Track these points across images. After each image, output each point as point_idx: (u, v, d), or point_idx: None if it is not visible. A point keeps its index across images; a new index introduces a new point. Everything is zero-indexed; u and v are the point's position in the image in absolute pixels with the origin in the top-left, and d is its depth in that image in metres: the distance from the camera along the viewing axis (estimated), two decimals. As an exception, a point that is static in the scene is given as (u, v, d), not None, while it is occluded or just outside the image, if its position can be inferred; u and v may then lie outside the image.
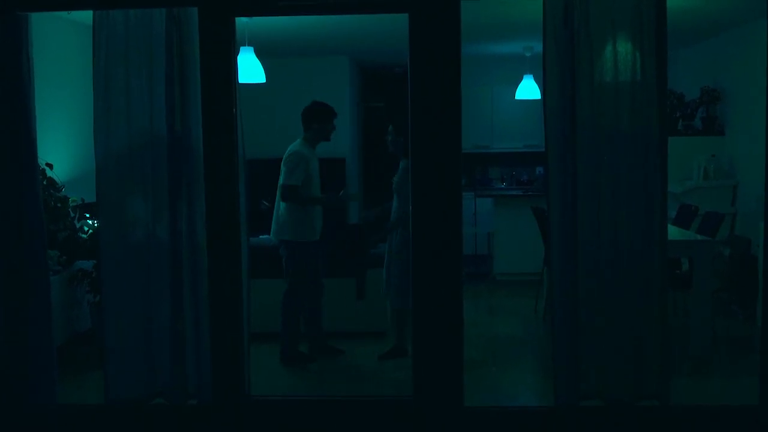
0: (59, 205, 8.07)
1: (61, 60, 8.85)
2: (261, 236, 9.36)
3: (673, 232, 8.66)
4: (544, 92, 5.83)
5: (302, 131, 8.22)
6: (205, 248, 5.99)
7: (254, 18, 8.52)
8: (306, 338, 8.35)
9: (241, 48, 8.94)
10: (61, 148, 8.75)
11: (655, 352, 5.90)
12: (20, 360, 6.10)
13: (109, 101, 5.96)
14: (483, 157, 15.18)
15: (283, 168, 8.03)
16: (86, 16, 6.08)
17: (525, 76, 12.62)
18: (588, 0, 5.66)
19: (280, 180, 8.03)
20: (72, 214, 8.26)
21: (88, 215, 8.40)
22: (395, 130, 8.12)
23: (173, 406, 6.16)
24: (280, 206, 8.13)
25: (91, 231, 8.30)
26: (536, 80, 12.32)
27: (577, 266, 5.85)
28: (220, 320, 6.01)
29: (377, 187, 14.76)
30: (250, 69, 9.11)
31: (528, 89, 12.56)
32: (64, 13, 8.42)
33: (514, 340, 9.17)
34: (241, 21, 7.38)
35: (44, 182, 7.73)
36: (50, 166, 7.93)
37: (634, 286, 5.86)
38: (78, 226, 8.34)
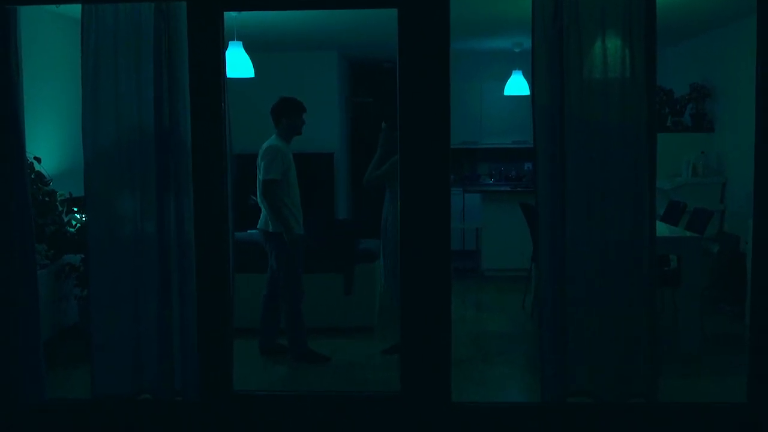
0: (47, 199, 8.05)
1: (50, 54, 8.82)
2: (249, 231, 9.36)
3: (662, 228, 8.67)
4: (532, 88, 5.83)
5: (274, 127, 8.21)
6: (193, 243, 5.98)
7: (243, 12, 8.49)
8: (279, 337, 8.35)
9: (230, 42, 8.92)
10: (49, 142, 8.73)
11: (643, 349, 5.90)
12: (7, 354, 6.08)
13: (97, 95, 5.94)
14: (471, 152, 15.20)
15: (260, 163, 7.97)
16: (75, 9, 6.07)
17: (514, 72, 12.66)
18: (577, -4, 5.67)
19: (260, 175, 7.97)
20: (60, 208, 8.25)
21: (75, 209, 8.39)
22: (391, 126, 8.07)
23: (160, 402, 6.15)
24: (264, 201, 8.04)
25: (78, 225, 8.29)
26: (525, 76, 12.34)
27: (565, 262, 5.85)
28: (208, 315, 6.00)
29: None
30: (238, 63, 9.10)
31: (517, 85, 12.59)
32: (52, 7, 8.40)
33: (501, 336, 9.17)
34: (229, 15, 7.36)
35: (32, 176, 7.71)
36: (38, 159, 7.91)
37: (623, 282, 5.87)
38: (66, 220, 8.33)
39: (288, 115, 8.10)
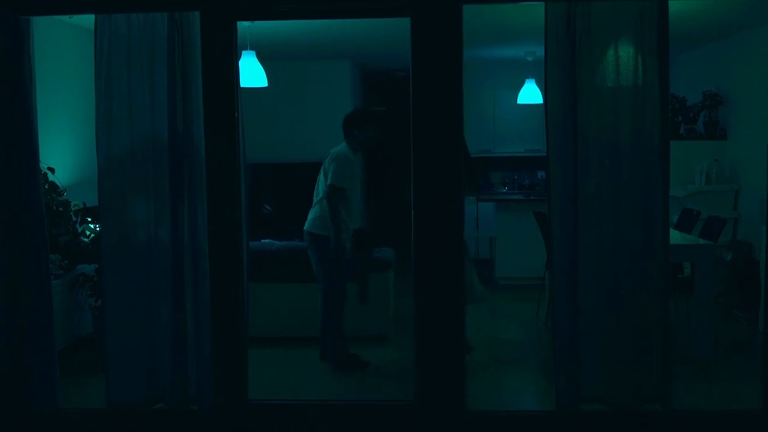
0: (61, 209, 8.06)
1: (63, 64, 8.85)
2: (263, 240, 9.36)
3: (675, 236, 8.66)
4: (545, 96, 5.84)
5: (343, 137, 8.23)
6: (206, 252, 5.99)
7: (256, 22, 8.51)
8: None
9: (243, 52, 8.94)
10: (63, 152, 8.75)
11: (656, 356, 5.90)
12: (22, 364, 6.10)
13: (111, 105, 5.97)
14: (485, 161, 15.16)
15: (331, 166, 7.95)
16: (88, 19, 6.09)
17: (527, 81, 12.65)
18: (590, 5, 5.66)
19: (328, 179, 7.91)
20: (74, 218, 8.26)
21: (89, 219, 8.40)
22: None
23: (174, 411, 6.15)
24: (323, 203, 8.00)
25: (92, 235, 8.30)
26: (538, 84, 12.37)
27: (578, 270, 5.85)
28: (222, 324, 6.01)
29: (378, 190, 14.81)
30: (252, 73, 9.11)
31: (530, 93, 12.59)
32: (65, 17, 8.42)
33: (515, 344, 9.16)
34: (242, 25, 7.38)
35: (46, 186, 7.74)
36: (52, 170, 7.93)
37: (636, 290, 5.86)
38: (80, 230, 8.34)
39: (361, 127, 8.14)
